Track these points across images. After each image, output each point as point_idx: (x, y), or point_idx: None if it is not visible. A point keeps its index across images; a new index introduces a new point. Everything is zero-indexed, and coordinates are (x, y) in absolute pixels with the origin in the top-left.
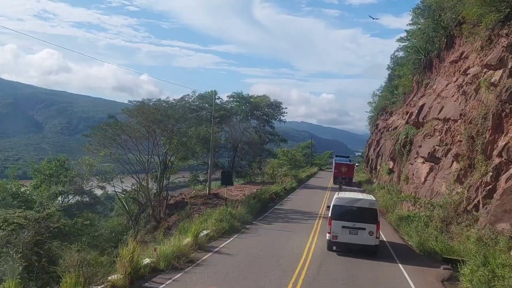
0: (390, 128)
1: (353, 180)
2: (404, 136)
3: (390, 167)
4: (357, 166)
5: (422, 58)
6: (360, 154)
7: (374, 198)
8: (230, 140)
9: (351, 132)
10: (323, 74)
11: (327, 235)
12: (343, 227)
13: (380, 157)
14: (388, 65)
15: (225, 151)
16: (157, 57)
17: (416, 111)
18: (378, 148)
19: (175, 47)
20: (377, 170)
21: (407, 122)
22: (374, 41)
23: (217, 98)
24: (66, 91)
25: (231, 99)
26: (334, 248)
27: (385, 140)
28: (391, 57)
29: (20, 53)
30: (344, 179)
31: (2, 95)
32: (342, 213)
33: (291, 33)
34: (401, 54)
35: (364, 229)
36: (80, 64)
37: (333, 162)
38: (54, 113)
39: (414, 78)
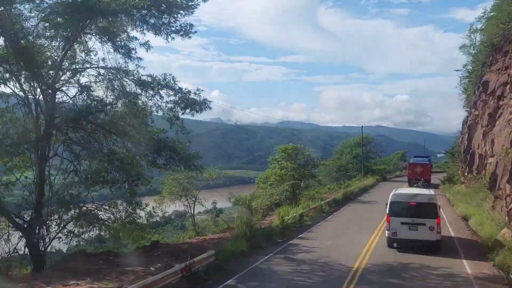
0: None
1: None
2: None
3: None
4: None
5: None
6: (444, 153)
7: (433, 192)
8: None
9: (431, 133)
10: (396, 75)
11: (386, 232)
12: (402, 223)
13: None
14: None
15: None
16: (228, 74)
17: None
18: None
19: (244, 62)
20: None
21: None
22: (448, 36)
23: None
24: None
25: None
26: (394, 245)
27: None
28: None
29: None
30: (419, 181)
31: None
32: (400, 209)
33: (360, 36)
34: None
35: (424, 224)
36: None
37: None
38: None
39: None
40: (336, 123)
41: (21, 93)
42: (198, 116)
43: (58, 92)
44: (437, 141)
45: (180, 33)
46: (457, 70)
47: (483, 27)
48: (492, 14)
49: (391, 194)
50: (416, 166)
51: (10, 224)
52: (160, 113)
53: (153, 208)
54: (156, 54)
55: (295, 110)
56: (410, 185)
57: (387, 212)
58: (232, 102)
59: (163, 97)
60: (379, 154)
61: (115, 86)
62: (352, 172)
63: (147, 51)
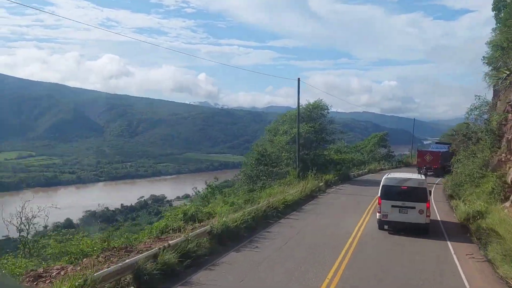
0: None
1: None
2: None
3: None
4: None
5: None
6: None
7: (423, 177)
8: None
9: (418, 119)
10: (385, 62)
11: (377, 214)
12: (392, 206)
13: None
14: None
15: None
16: (216, 57)
17: None
18: None
19: (233, 45)
20: None
21: None
22: (437, 24)
23: None
24: (128, 94)
25: None
26: (385, 227)
27: None
28: None
29: (82, 60)
30: (429, 170)
31: (65, 101)
32: (392, 192)
33: (349, 22)
34: None
35: (414, 207)
36: (140, 68)
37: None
38: (114, 117)
39: None
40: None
41: None
42: (185, 99)
43: None
44: (424, 127)
45: None
46: None
47: None
48: None
49: (383, 178)
50: (426, 154)
51: None
52: None
53: None
54: (145, 36)
55: (283, 95)
56: (419, 172)
57: (379, 195)
58: (220, 86)
59: None
60: (355, 137)
61: None
62: (283, 167)
63: None
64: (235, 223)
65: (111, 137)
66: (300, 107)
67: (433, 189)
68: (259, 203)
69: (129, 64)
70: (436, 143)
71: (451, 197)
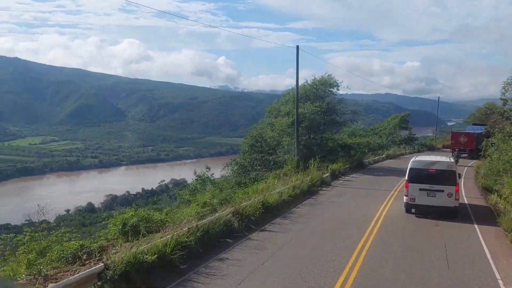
0: None
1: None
2: None
3: None
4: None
5: None
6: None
7: (452, 160)
8: None
9: (442, 101)
10: (407, 42)
11: (404, 198)
12: (420, 189)
13: None
14: None
15: None
16: (236, 40)
17: None
18: None
19: (252, 28)
20: None
21: None
22: (462, 3)
23: None
24: (148, 79)
25: None
26: (412, 210)
27: None
28: None
29: (103, 45)
30: (462, 152)
31: (87, 86)
32: (419, 176)
33: (371, 2)
34: None
35: (443, 191)
36: (160, 52)
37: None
38: (135, 101)
39: None
40: (344, 90)
41: None
42: (205, 83)
43: None
44: (449, 108)
45: None
46: None
47: None
48: None
49: (410, 161)
50: (460, 136)
51: None
52: None
53: None
54: (164, 21)
55: (304, 77)
56: (453, 155)
57: (406, 178)
58: (239, 69)
59: None
60: (376, 120)
61: None
62: (281, 155)
63: None
64: (156, 255)
65: (132, 122)
66: (305, 83)
67: (464, 172)
68: (217, 212)
69: (149, 48)
70: (473, 124)
71: (485, 190)
